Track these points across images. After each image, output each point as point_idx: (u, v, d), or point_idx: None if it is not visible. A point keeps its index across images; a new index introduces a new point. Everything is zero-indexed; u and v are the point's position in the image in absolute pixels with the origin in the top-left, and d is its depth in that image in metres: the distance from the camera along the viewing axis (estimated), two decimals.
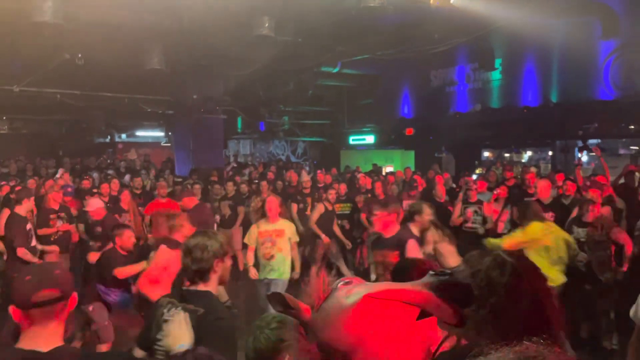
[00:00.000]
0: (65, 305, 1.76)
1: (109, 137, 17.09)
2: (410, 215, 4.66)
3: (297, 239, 5.80)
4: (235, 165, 15.23)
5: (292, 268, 5.70)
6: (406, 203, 8.14)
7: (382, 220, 4.23)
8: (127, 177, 11.27)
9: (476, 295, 1.43)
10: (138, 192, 8.92)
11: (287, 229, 5.63)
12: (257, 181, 10.33)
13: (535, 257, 4.51)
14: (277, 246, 5.48)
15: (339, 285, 1.03)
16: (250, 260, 5.59)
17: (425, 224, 4.64)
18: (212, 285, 2.40)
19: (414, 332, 0.96)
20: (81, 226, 7.32)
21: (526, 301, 1.39)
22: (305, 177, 9.35)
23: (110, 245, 5.02)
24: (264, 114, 14.96)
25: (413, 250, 3.95)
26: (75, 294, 1.81)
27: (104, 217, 6.46)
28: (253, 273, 5.48)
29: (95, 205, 6.48)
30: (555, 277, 4.71)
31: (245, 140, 19.69)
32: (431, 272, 1.04)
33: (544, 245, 4.89)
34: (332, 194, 8.07)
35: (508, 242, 5.12)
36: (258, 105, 14.38)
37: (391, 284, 1.00)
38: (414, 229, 4.57)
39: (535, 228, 4.98)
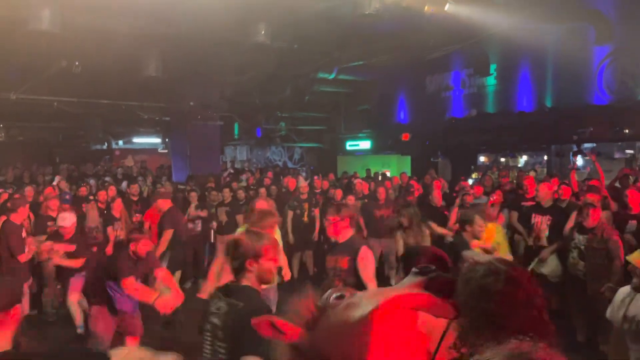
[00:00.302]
0: (4, 315, 1.86)
1: (105, 144, 17.11)
2: (462, 225, 4.79)
3: (280, 244, 5.64)
4: (232, 171, 15.25)
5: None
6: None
7: (334, 226, 4.10)
8: (124, 184, 11.28)
9: (471, 303, 1.46)
10: (135, 198, 8.93)
11: (276, 233, 5.41)
12: (254, 187, 10.34)
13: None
14: None
15: (332, 299, 1.01)
16: None
17: (476, 233, 4.77)
18: (251, 281, 2.49)
19: (417, 336, 0.95)
20: None
21: (523, 307, 1.42)
22: (303, 183, 9.39)
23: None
24: (261, 120, 15.01)
25: (365, 258, 3.92)
26: (18, 307, 1.92)
27: (72, 237, 6.12)
28: None
29: (69, 221, 6.08)
30: None
31: (242, 146, 19.72)
32: (414, 270, 1.04)
33: (497, 241, 5.40)
34: (351, 200, 8.07)
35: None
36: (255, 111, 14.43)
37: (391, 290, 0.98)
38: (467, 237, 4.68)
39: (492, 227, 5.48)
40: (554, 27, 10.23)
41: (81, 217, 7.42)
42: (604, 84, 10.96)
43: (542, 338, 1.39)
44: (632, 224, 5.81)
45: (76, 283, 6.04)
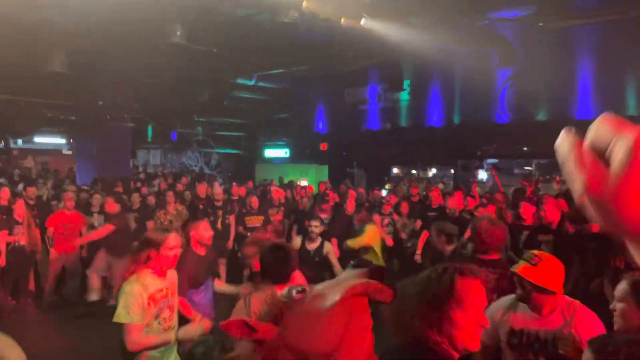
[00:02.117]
0: None
1: (2, 142, 15.75)
2: None
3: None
4: (143, 176, 14.63)
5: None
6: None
7: None
8: (20, 186, 10.42)
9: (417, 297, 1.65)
10: (32, 202, 8.26)
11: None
12: (164, 193, 9.96)
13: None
14: (175, 308, 3.38)
15: (295, 293, 1.04)
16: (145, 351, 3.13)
17: None
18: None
19: (368, 320, 1.05)
20: None
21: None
22: (218, 189, 9.19)
23: None
24: (177, 124, 14.56)
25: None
26: None
27: None
28: None
29: None
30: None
31: (156, 150, 19.02)
32: (352, 263, 1.12)
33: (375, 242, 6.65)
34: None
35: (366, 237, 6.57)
36: (170, 114, 13.98)
37: (347, 280, 1.04)
38: None
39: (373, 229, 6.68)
40: (462, 49, 10.88)
41: None
42: (505, 104, 11.81)
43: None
44: (526, 234, 6.26)
45: None
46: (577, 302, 2.60)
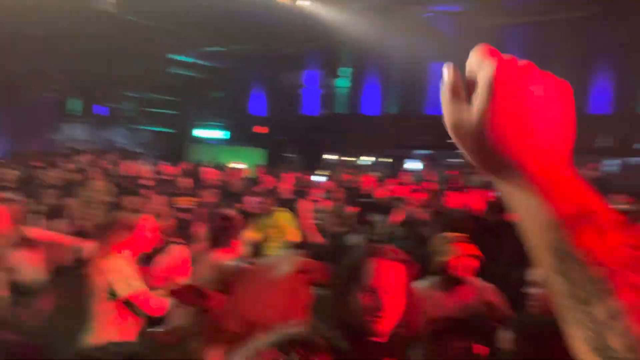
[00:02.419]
0: None
1: None
2: None
3: None
4: (67, 151, 13.81)
5: None
6: (248, 200, 8.19)
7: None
8: None
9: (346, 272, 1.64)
10: None
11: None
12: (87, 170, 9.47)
13: None
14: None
15: (243, 266, 1.11)
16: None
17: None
18: None
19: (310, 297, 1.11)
20: None
21: None
22: (145, 168, 8.85)
23: None
24: (106, 98, 13.83)
25: None
26: None
27: None
28: None
29: None
30: None
31: (82, 124, 18.00)
32: (294, 243, 1.25)
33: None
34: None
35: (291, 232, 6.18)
36: (98, 87, 13.24)
37: (294, 257, 1.15)
38: None
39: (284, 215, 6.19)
40: (401, 40, 11.04)
41: None
42: (437, 97, 12.18)
43: None
44: None
45: None
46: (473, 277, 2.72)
